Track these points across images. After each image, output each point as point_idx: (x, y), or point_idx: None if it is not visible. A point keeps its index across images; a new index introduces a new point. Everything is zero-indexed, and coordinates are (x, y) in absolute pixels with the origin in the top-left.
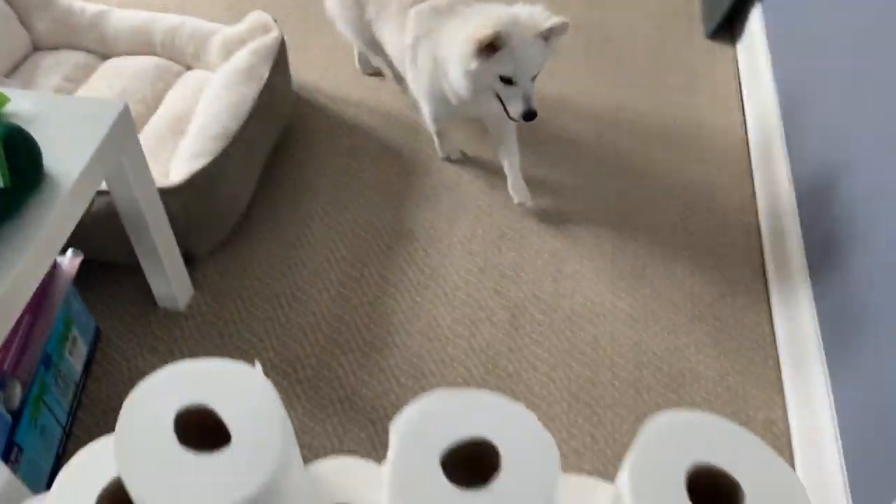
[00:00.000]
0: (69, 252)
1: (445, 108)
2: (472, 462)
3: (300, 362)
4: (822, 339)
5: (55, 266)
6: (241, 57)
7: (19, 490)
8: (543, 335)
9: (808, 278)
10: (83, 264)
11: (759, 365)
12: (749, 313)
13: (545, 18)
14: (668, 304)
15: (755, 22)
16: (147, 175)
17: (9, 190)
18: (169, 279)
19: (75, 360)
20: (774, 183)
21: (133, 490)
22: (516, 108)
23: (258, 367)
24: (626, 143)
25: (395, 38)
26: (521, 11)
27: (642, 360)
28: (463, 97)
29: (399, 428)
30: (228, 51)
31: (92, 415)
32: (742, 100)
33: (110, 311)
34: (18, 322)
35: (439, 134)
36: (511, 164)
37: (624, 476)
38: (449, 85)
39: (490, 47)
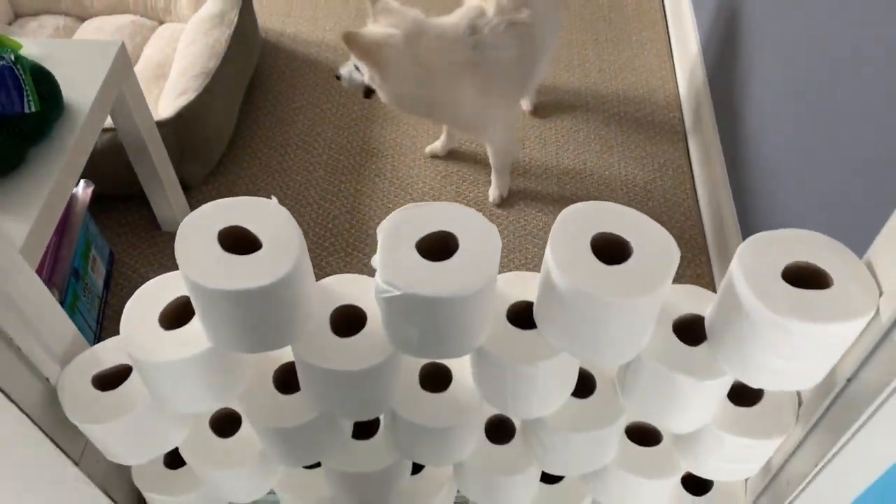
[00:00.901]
0: (82, 182)
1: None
2: (439, 246)
3: None
4: (735, 206)
5: (72, 194)
6: (210, 5)
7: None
8: (501, 225)
9: (720, 143)
10: (94, 196)
11: (687, 233)
12: (677, 192)
13: None
14: (607, 189)
15: None
16: (145, 106)
17: (40, 113)
18: (171, 203)
19: (97, 276)
20: (694, 80)
21: (190, 278)
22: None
23: (274, 200)
24: (565, 58)
25: None
26: None
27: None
28: None
29: (384, 228)
30: (197, 2)
31: (116, 323)
32: (664, 11)
33: (121, 237)
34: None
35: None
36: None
37: (548, 248)
38: None
39: None
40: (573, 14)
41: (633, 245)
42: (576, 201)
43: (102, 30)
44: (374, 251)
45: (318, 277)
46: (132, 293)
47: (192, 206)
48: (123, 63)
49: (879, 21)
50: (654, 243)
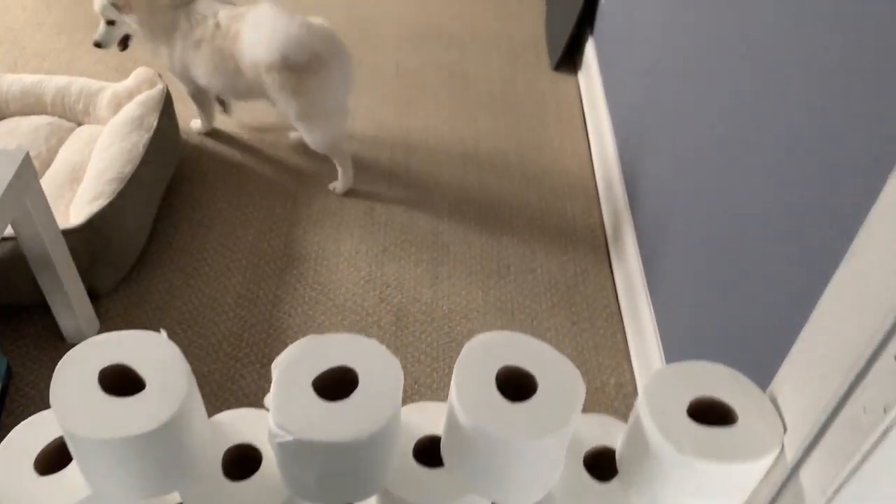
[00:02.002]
0: None
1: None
2: (338, 384)
3: (205, 379)
4: (654, 310)
5: None
6: (130, 108)
7: None
8: (425, 332)
9: (641, 264)
10: None
11: (609, 339)
12: (599, 297)
13: None
14: (531, 295)
15: (590, 52)
16: (50, 216)
17: None
18: (76, 315)
19: None
20: (613, 191)
21: (66, 427)
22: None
23: (164, 333)
24: (488, 165)
25: None
26: None
27: None
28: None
29: (279, 363)
30: (118, 104)
31: None
32: (585, 121)
33: (20, 349)
34: None
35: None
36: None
37: (452, 384)
38: None
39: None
40: (497, 120)
41: (538, 379)
42: (501, 307)
43: (17, 130)
44: None
45: (231, 391)
46: (30, 412)
47: (102, 315)
48: (28, 173)
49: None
50: (560, 377)
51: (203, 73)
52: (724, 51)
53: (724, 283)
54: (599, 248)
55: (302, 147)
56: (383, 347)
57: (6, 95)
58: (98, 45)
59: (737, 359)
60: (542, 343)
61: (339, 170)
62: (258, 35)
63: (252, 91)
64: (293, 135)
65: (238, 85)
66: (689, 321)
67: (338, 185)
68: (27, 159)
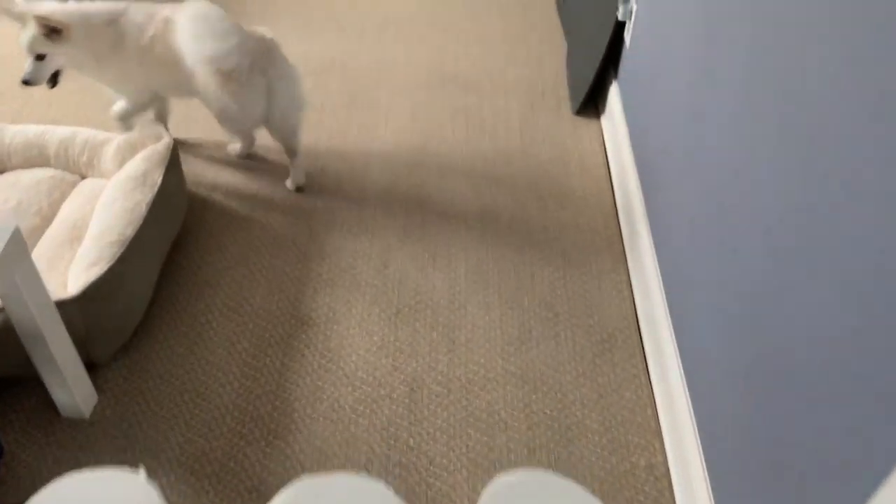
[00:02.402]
0: None
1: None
2: None
3: (206, 457)
4: (687, 381)
5: None
6: (134, 164)
7: None
8: (441, 406)
9: (672, 329)
10: None
11: (639, 414)
12: (627, 366)
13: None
14: (554, 363)
15: (613, 97)
16: (42, 291)
17: None
18: (70, 389)
19: None
20: (639, 247)
21: None
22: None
23: (142, 471)
24: (507, 217)
25: None
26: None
27: (534, 421)
28: None
29: None
30: (122, 158)
31: None
32: (609, 168)
33: (12, 425)
34: None
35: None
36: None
37: None
38: None
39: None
40: (516, 168)
41: None
42: (522, 376)
43: (18, 184)
44: (297, 441)
45: (233, 472)
46: (22, 494)
47: (101, 386)
48: (17, 248)
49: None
50: None
51: (159, 74)
52: (757, 95)
53: (762, 356)
54: (627, 311)
55: (314, 203)
56: (381, 486)
57: (8, 148)
58: (27, 83)
59: (779, 443)
60: (568, 483)
61: (291, 168)
62: (197, 29)
63: (191, 86)
64: (231, 147)
65: (188, 83)
66: (725, 394)
67: (289, 182)
68: (16, 234)
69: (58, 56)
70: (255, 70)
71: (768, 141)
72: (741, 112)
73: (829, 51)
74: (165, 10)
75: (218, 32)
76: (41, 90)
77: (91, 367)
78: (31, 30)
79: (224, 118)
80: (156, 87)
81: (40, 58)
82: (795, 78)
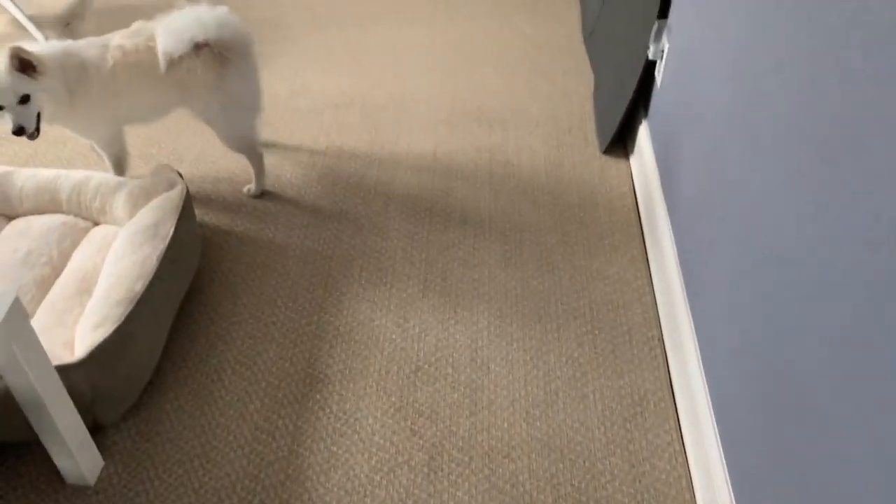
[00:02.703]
0: None
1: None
2: None
3: None
4: (723, 449)
5: None
6: (146, 213)
7: None
8: (462, 476)
9: (708, 391)
10: None
11: (674, 486)
12: (660, 432)
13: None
14: (582, 428)
15: (643, 136)
16: (42, 359)
17: None
18: (74, 457)
19: None
20: (672, 297)
21: None
22: (9, 126)
23: None
24: (532, 265)
25: None
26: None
27: (561, 494)
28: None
29: None
30: (134, 205)
31: None
32: (638, 211)
33: (14, 492)
34: None
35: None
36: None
37: None
38: None
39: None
40: (541, 211)
41: None
42: (548, 443)
43: (28, 231)
44: None
45: None
46: None
47: (108, 449)
48: (16, 318)
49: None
50: None
51: (126, 102)
52: (800, 140)
53: (806, 427)
54: (660, 371)
55: (333, 250)
56: None
57: (20, 192)
58: (20, 130)
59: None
60: None
61: (254, 172)
62: (179, 27)
63: (172, 100)
64: (247, 188)
65: (160, 97)
66: (767, 468)
67: (252, 187)
68: (16, 304)
69: (39, 94)
70: (246, 45)
71: (813, 188)
72: (782, 158)
73: (877, 91)
74: (115, 38)
75: (194, 18)
76: (55, 129)
77: (97, 428)
78: (4, 69)
79: (227, 109)
80: (132, 114)
81: (25, 100)
82: (843, 121)
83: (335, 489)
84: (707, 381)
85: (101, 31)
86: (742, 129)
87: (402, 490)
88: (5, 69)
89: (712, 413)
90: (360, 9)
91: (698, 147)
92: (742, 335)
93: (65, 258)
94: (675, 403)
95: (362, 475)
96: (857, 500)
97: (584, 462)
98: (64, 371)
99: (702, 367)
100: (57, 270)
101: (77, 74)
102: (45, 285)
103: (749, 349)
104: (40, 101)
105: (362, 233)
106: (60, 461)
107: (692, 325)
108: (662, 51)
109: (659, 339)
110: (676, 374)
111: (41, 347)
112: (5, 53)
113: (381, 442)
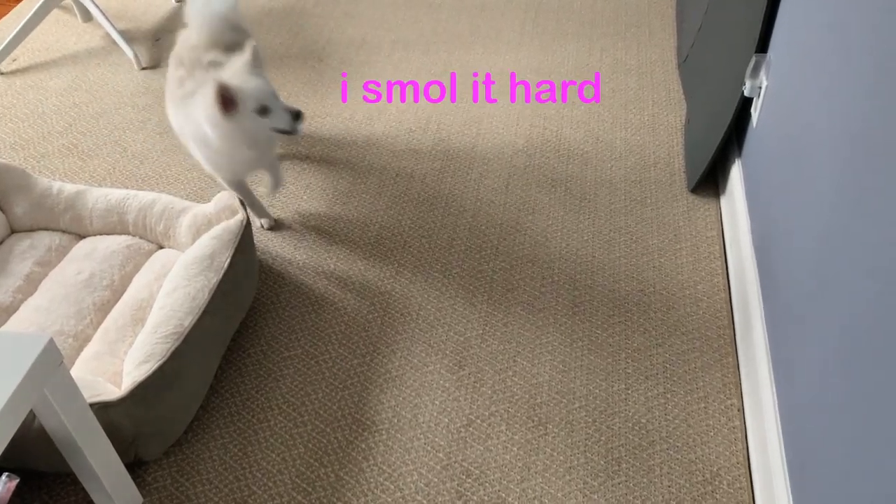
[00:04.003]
0: (3, 476)
1: (231, 174)
2: None
3: None
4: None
5: None
6: (203, 243)
7: None
8: None
9: (787, 472)
10: (21, 479)
11: None
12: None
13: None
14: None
15: (735, 176)
16: (77, 401)
17: None
18: (110, 496)
19: None
20: (756, 361)
21: None
22: (284, 118)
23: None
24: (603, 314)
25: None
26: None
27: None
28: (247, 157)
29: None
30: (197, 230)
31: None
32: (726, 259)
33: None
34: None
35: (247, 201)
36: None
37: None
38: (220, 152)
39: (226, 102)
40: (617, 253)
41: None
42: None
43: (94, 254)
44: None
45: None
46: None
47: (148, 485)
48: (49, 362)
49: None
50: None
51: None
52: None
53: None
54: (737, 446)
55: (392, 285)
56: None
57: (91, 213)
58: (297, 116)
59: None
60: None
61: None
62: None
63: None
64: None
65: None
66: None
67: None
68: (50, 346)
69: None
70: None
71: None
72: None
73: None
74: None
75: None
76: (136, 145)
77: (140, 463)
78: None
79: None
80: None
81: (264, 109)
82: None
83: None
84: (786, 460)
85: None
86: (852, 188)
87: None
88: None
89: (790, 493)
90: (445, 32)
91: (799, 196)
92: (838, 414)
93: (126, 282)
94: (751, 484)
95: None
96: None
97: None
98: (104, 408)
99: (782, 443)
100: (117, 294)
101: None
102: (104, 309)
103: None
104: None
105: (424, 269)
106: (97, 497)
107: (775, 394)
108: (760, 87)
109: (739, 409)
110: (755, 449)
111: (76, 389)
112: (244, 56)
113: (425, 502)
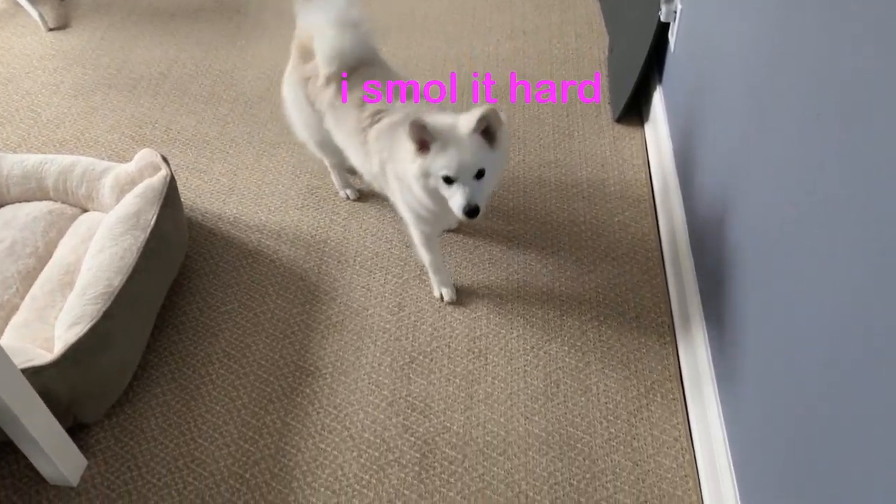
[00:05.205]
0: None
1: (427, 225)
2: None
3: None
4: (730, 447)
5: None
6: (128, 202)
7: None
8: (455, 475)
9: (715, 380)
10: None
11: (679, 487)
12: (666, 427)
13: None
14: (583, 424)
15: (658, 104)
16: (7, 368)
17: None
18: (52, 461)
19: None
20: (682, 276)
21: None
22: (457, 202)
23: None
24: (536, 246)
25: (360, 161)
26: (464, 115)
27: (558, 495)
28: (430, 208)
29: None
30: (121, 190)
31: None
32: (651, 185)
33: None
34: None
35: (433, 266)
36: None
37: None
38: (416, 198)
39: (423, 143)
40: (548, 186)
41: None
42: (547, 439)
43: (14, 221)
44: None
45: None
46: None
47: (91, 447)
48: None
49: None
50: None
51: None
52: (829, 105)
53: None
54: (669, 360)
55: (327, 233)
56: None
57: (6, 180)
58: (473, 212)
59: None
60: None
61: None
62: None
63: None
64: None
65: None
66: (774, 459)
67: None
68: None
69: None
70: None
71: (842, 158)
72: (807, 124)
73: None
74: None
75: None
76: (50, 109)
77: (81, 426)
78: (467, 132)
79: None
80: None
81: (480, 175)
82: (880, 84)
83: (322, 489)
84: (715, 369)
85: (95, 7)
86: (763, 99)
87: (391, 490)
88: (469, 132)
89: (719, 404)
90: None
91: (715, 115)
92: (759, 316)
93: (51, 248)
94: (683, 395)
95: (351, 474)
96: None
97: (584, 460)
98: (37, 372)
99: (709, 352)
100: (42, 262)
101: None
102: (30, 278)
103: (759, 333)
104: (493, 175)
105: (358, 214)
106: (39, 464)
107: (701, 307)
108: (675, 12)
109: (669, 325)
110: (686, 361)
111: (6, 356)
112: (474, 114)
113: (372, 439)
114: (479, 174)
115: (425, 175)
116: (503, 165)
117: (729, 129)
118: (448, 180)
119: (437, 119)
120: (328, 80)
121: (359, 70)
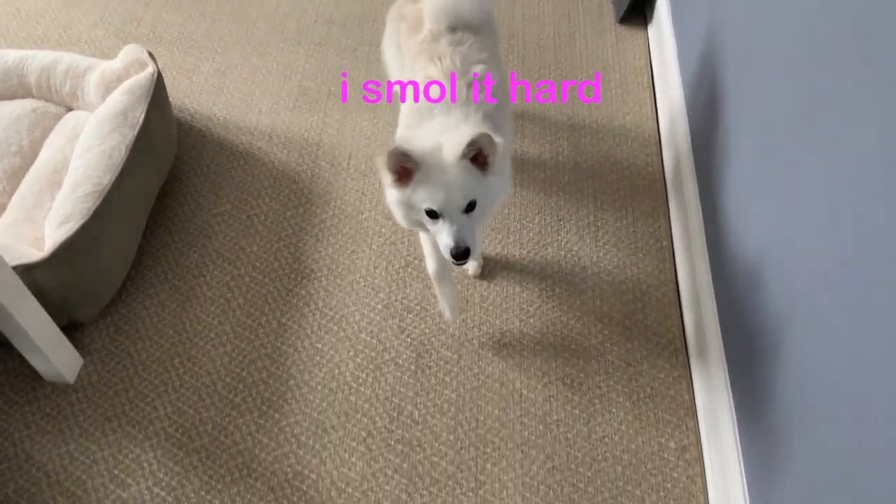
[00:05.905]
0: None
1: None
2: None
3: (195, 429)
4: (726, 359)
5: None
6: (114, 99)
7: None
8: (450, 374)
9: (712, 284)
10: None
11: (672, 387)
12: (660, 330)
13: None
14: (578, 325)
15: (662, 3)
16: (0, 267)
17: None
18: (48, 358)
19: None
20: (682, 185)
21: None
22: (443, 243)
23: None
24: (535, 151)
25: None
26: (453, 134)
27: (551, 392)
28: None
29: None
30: (107, 88)
31: None
32: (654, 89)
33: None
34: None
35: (441, 294)
36: None
37: None
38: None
39: (404, 172)
40: (548, 93)
41: None
42: (541, 340)
43: None
44: (293, 412)
45: (224, 446)
46: (3, 466)
47: (86, 346)
48: None
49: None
50: None
51: None
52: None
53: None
54: (665, 265)
55: (320, 136)
56: None
57: None
58: (463, 255)
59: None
60: None
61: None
62: None
63: None
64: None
65: None
66: (764, 368)
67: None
68: None
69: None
70: None
71: (848, 69)
72: (813, 24)
73: None
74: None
75: None
76: (29, 4)
77: (76, 327)
78: (454, 159)
79: None
80: None
81: (469, 208)
82: None
83: (319, 387)
84: (711, 269)
85: None
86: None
87: (387, 388)
88: (456, 160)
89: (717, 316)
90: None
91: (721, 17)
92: (755, 230)
93: (36, 148)
94: (679, 301)
95: (347, 373)
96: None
97: (579, 360)
98: (28, 270)
99: (707, 255)
100: (28, 160)
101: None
102: (16, 177)
103: (764, 239)
104: (487, 206)
105: (352, 116)
106: (35, 361)
107: (700, 212)
108: None
109: (667, 230)
110: (682, 266)
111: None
112: (463, 137)
113: (368, 339)
114: (470, 206)
115: (407, 206)
116: (501, 194)
117: (734, 25)
118: (433, 214)
119: (421, 142)
120: (433, 35)
121: (457, 33)
